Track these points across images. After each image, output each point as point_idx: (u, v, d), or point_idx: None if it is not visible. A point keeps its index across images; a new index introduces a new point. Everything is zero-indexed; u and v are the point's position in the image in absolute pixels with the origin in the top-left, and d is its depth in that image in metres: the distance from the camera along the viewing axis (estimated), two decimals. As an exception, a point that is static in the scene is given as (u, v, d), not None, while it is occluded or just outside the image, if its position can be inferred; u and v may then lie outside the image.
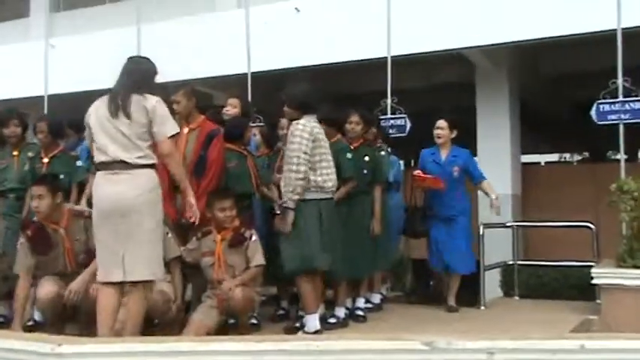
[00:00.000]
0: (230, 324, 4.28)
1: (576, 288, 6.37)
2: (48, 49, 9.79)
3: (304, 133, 4.22)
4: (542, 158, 18.62)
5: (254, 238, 4.39)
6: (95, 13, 11.75)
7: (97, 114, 3.74)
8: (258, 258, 4.38)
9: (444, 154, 5.51)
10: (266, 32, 8.55)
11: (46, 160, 5.06)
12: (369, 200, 4.92)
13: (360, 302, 4.98)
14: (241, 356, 3.07)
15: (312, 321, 4.25)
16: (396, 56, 7.68)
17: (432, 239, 5.53)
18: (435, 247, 5.51)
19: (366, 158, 4.83)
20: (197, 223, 3.94)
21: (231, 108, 5.18)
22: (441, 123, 5.46)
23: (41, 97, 9.38)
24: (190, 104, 4.58)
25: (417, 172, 5.52)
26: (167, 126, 3.76)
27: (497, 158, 9.03)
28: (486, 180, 5.62)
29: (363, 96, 8.77)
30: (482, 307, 5.48)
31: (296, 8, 9.03)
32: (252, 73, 8.16)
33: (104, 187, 3.67)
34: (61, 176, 4.92)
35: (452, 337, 3.04)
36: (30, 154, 5.07)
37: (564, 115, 12.69)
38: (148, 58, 3.98)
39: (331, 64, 8.65)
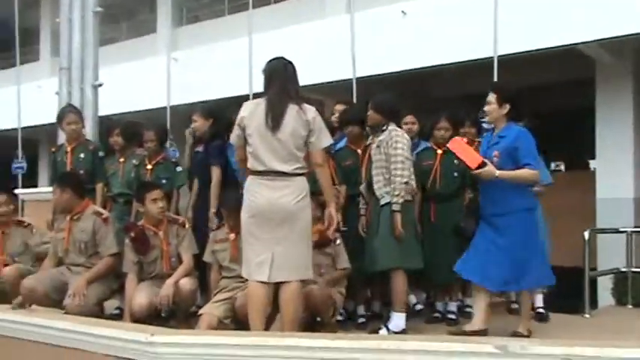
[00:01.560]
0: (317, 322, 4.37)
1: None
2: (170, 63, 10.44)
3: (404, 139, 4.41)
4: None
5: (338, 241, 4.51)
6: (212, 26, 12.39)
7: (255, 122, 3.79)
8: (342, 261, 4.52)
9: (494, 136, 4.42)
10: (372, 36, 8.63)
11: (149, 167, 5.35)
12: (459, 203, 4.84)
13: (453, 306, 4.90)
14: (317, 352, 3.17)
15: (398, 320, 4.30)
16: (503, 56, 7.47)
17: (472, 242, 4.36)
18: (472, 252, 4.31)
19: (456, 161, 4.78)
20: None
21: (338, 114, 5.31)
22: (489, 97, 4.30)
23: (164, 109, 10.03)
24: None
25: (460, 137, 4.68)
26: (323, 137, 3.90)
27: (617, 159, 8.52)
28: (530, 168, 4.12)
29: (467, 98, 8.59)
30: (587, 315, 5.19)
31: (402, 11, 9.05)
32: (358, 77, 8.27)
33: (262, 192, 3.78)
34: (163, 181, 5.24)
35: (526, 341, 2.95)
36: (134, 161, 5.42)
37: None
38: (289, 60, 3.96)
39: (436, 66, 8.56)
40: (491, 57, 7.37)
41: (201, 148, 5.26)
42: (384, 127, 4.47)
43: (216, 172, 5.00)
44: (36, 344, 4.05)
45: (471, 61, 8.13)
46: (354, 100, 7.99)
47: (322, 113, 5.20)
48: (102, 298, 4.83)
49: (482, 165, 4.09)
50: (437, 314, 5.01)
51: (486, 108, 4.32)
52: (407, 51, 8.75)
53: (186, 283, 4.56)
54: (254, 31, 9.17)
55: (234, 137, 3.97)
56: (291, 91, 3.84)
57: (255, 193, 3.80)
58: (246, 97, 9.04)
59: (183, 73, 10.41)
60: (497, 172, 4.07)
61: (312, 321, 4.32)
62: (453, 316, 4.84)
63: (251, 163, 3.85)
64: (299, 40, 9.51)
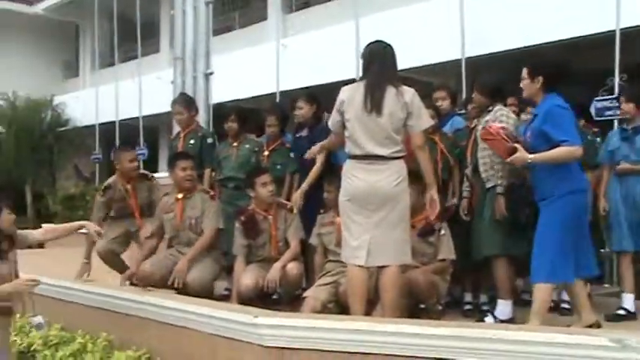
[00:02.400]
0: (421, 309, 4.29)
1: None
2: (280, 49, 10.59)
3: (510, 119, 4.23)
4: None
5: (443, 231, 4.40)
6: (320, 12, 12.41)
7: (354, 106, 3.77)
8: (446, 251, 4.40)
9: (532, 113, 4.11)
10: (481, 14, 8.31)
11: (266, 153, 5.43)
12: None
13: (564, 294, 4.65)
14: (417, 339, 3.11)
15: (504, 307, 4.16)
16: (626, 28, 6.94)
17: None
18: (536, 251, 3.84)
19: None
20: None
21: (441, 100, 5.19)
22: (523, 72, 3.91)
23: (273, 95, 10.20)
24: None
25: (490, 125, 4.11)
26: (423, 119, 3.83)
27: None
28: (567, 145, 3.64)
29: (584, 74, 8.07)
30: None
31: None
32: (467, 58, 8.01)
33: (360, 176, 3.75)
34: (278, 167, 5.32)
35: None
36: (248, 146, 5.51)
37: None
38: (387, 43, 3.90)
39: (553, 42, 8.08)
40: (613, 30, 6.89)
41: (305, 133, 5.29)
42: (490, 109, 4.31)
43: (320, 156, 5.01)
44: (146, 321, 4.27)
45: (590, 35, 7.60)
46: (463, 81, 7.78)
47: (431, 96, 5.12)
48: (216, 274, 5.00)
49: (514, 151, 3.76)
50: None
51: (521, 84, 3.95)
52: (517, 28, 8.32)
53: (293, 268, 4.63)
54: (361, 14, 9.10)
55: (332, 122, 3.96)
56: (389, 74, 3.78)
57: (353, 176, 3.77)
58: (353, 81, 9.02)
59: (292, 58, 10.51)
60: (530, 157, 3.72)
61: (416, 307, 4.25)
62: (566, 305, 4.59)
63: (349, 148, 3.83)
64: (406, 22, 9.32)
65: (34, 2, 18.14)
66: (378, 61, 3.80)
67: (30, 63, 18.30)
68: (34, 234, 4.05)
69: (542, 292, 3.73)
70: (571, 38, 7.77)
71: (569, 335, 2.86)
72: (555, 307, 4.59)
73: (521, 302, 4.57)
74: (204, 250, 4.88)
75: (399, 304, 3.76)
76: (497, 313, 4.18)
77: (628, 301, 4.54)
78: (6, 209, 3.65)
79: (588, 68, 7.41)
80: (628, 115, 4.75)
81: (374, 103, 3.70)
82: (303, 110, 5.27)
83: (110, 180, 5.64)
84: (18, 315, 4.90)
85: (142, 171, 5.86)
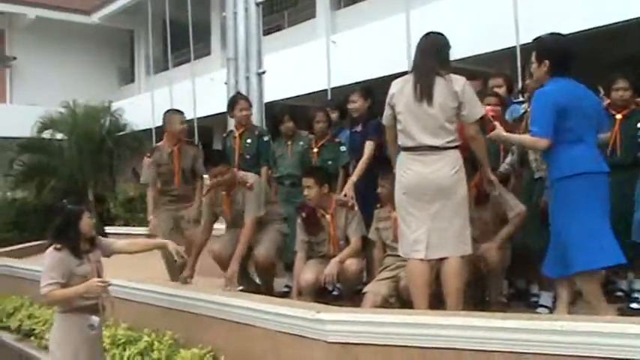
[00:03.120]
0: (485, 301, 4.22)
1: None
2: (330, 46, 10.58)
3: None
4: None
5: (496, 192, 4.26)
6: (369, 6, 12.35)
7: (404, 98, 3.75)
8: (514, 206, 4.24)
9: None
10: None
11: (315, 149, 5.44)
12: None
13: (638, 284, 4.49)
14: (485, 332, 3.05)
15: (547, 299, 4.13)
16: None
17: None
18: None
19: (639, 125, 4.31)
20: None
21: (497, 88, 5.10)
22: (532, 56, 3.85)
23: (325, 92, 10.21)
24: None
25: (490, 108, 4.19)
26: (476, 108, 3.77)
27: None
28: (531, 134, 3.63)
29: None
30: None
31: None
32: (522, 45, 7.81)
33: (414, 168, 3.73)
34: (329, 162, 5.33)
35: None
36: (301, 143, 5.55)
37: None
38: (442, 34, 3.90)
39: (616, 23, 7.78)
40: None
41: (359, 128, 5.27)
42: None
43: (369, 147, 4.97)
44: (211, 319, 4.33)
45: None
46: (519, 69, 7.60)
47: (486, 85, 5.02)
48: (279, 242, 5.17)
49: (494, 128, 3.79)
50: (619, 293, 4.63)
51: (531, 68, 3.86)
52: (574, 12, 8.08)
53: (352, 264, 4.63)
54: (411, 6, 9.00)
55: (385, 117, 3.94)
56: (438, 63, 3.73)
57: (407, 169, 3.75)
58: (405, 74, 8.95)
59: (342, 55, 10.48)
60: (504, 135, 3.79)
61: (482, 299, 4.18)
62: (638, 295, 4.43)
63: (401, 140, 3.80)
64: (458, 12, 9.18)
65: (91, 12, 18.68)
66: (426, 51, 3.77)
67: (88, 71, 18.91)
68: (119, 243, 4.13)
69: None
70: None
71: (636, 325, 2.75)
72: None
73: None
74: (245, 243, 4.95)
75: (461, 295, 3.70)
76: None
77: None
78: (87, 212, 3.77)
79: None
80: None
81: (424, 92, 3.66)
82: (357, 104, 5.26)
83: (158, 143, 5.85)
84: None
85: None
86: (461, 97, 3.67)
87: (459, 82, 3.69)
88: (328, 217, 4.79)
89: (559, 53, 3.71)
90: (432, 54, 3.76)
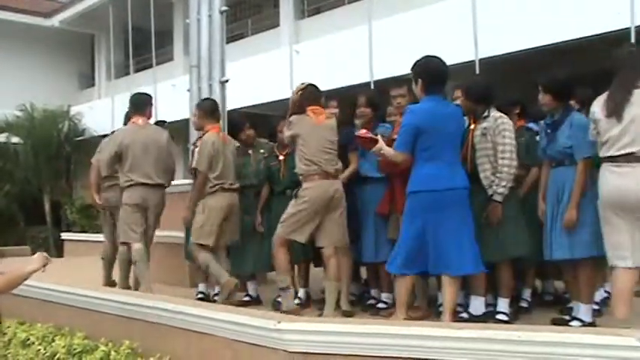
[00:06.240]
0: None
1: None
2: (293, 55, 10.64)
3: (510, 126, 4.33)
4: None
5: None
6: (332, 17, 12.44)
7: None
8: None
9: None
10: (494, 15, 8.29)
11: (281, 157, 5.43)
12: None
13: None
14: (442, 342, 3.09)
15: (480, 306, 4.33)
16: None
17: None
18: None
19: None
20: None
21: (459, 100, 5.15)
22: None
23: (287, 100, 10.23)
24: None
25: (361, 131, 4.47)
26: None
27: None
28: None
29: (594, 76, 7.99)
30: None
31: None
32: (481, 59, 7.99)
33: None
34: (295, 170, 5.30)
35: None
36: (262, 151, 5.56)
37: None
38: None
39: (569, 41, 8.02)
40: (628, 28, 6.84)
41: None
42: (486, 114, 4.33)
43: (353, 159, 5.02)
44: (170, 328, 4.28)
45: (608, 33, 7.54)
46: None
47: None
48: None
49: (376, 142, 4.13)
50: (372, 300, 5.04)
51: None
52: (530, 27, 8.29)
53: None
54: (374, 17, 9.12)
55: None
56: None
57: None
58: (366, 85, 9.06)
59: (305, 64, 10.55)
60: (377, 147, 4.11)
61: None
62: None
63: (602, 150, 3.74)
64: (418, 25, 9.33)
65: (51, 15, 18.34)
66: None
67: (47, 74, 18.52)
68: None
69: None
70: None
71: (596, 336, 2.83)
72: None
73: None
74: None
75: None
76: (471, 309, 4.35)
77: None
78: None
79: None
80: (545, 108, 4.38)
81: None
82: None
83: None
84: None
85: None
86: None
87: None
88: None
89: (430, 74, 4.09)
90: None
